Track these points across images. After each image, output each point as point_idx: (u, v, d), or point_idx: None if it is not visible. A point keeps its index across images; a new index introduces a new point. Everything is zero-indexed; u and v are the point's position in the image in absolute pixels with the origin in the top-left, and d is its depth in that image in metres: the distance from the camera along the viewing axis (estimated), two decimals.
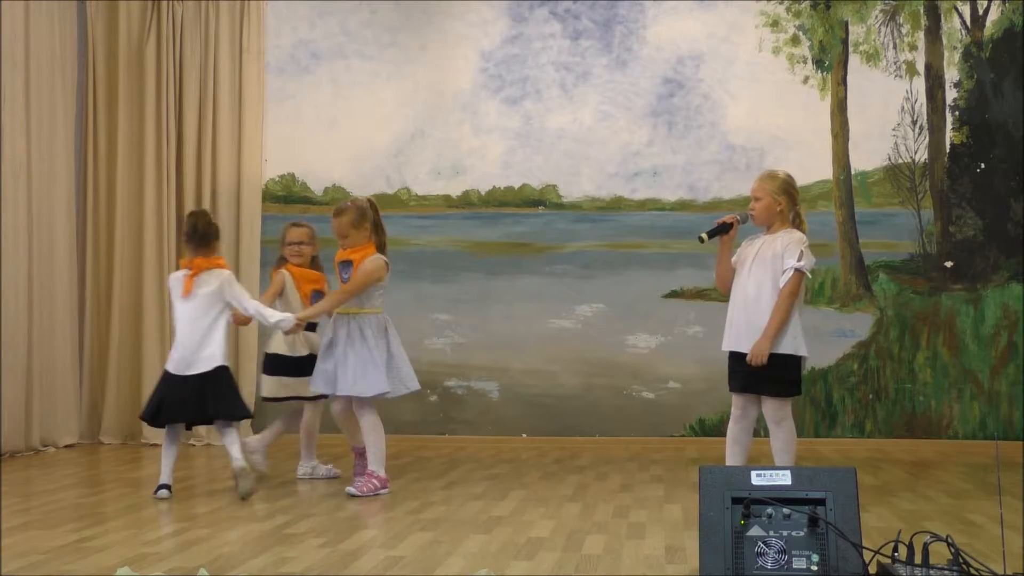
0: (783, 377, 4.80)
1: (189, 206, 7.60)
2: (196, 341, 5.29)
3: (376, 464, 5.42)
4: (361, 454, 5.64)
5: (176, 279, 5.40)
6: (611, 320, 7.60)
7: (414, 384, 5.55)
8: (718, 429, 7.24)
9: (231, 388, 5.39)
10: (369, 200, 5.71)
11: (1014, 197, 7.36)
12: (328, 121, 7.83)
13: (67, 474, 6.11)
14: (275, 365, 5.89)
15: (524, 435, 7.56)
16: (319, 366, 5.50)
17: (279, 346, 5.88)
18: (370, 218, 5.57)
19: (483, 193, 7.76)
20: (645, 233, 7.64)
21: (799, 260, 4.76)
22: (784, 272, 4.77)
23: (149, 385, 7.49)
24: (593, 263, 7.66)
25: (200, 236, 5.38)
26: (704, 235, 4.93)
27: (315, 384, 5.54)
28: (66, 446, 7.22)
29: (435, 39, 7.79)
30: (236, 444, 5.26)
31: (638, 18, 7.66)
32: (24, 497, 5.30)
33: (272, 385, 5.90)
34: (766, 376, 4.77)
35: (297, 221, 6.29)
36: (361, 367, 5.35)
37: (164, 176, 7.59)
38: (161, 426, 5.42)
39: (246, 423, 6.57)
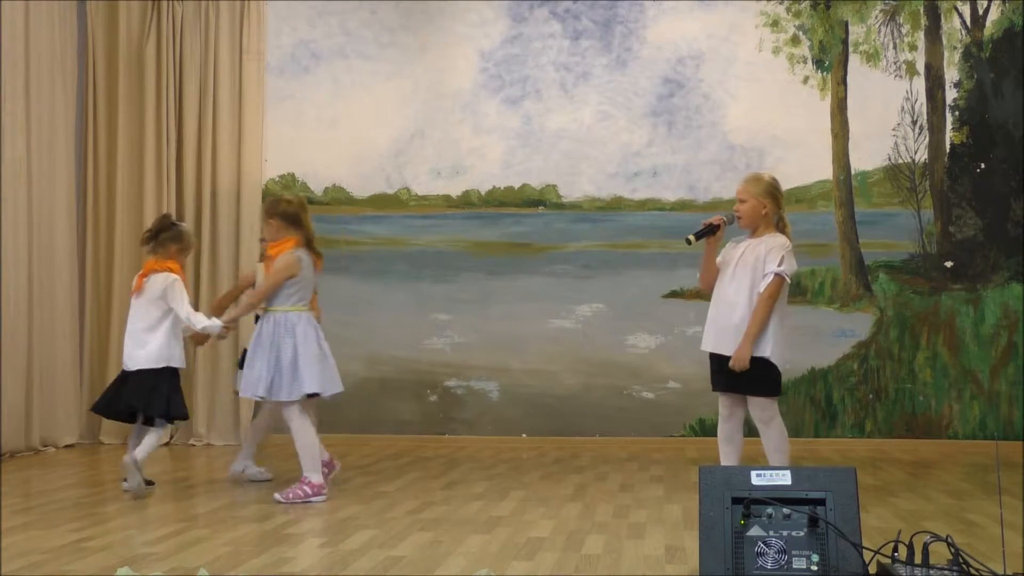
0: (763, 378, 4.85)
1: (189, 206, 7.62)
2: (135, 339, 5.46)
3: (309, 469, 5.22)
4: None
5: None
6: (611, 320, 7.60)
7: (313, 387, 5.27)
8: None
9: (155, 390, 5.42)
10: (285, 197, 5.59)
11: (1014, 197, 7.36)
12: (328, 121, 7.83)
13: (67, 474, 6.11)
14: None
15: (524, 435, 7.56)
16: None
17: None
18: (279, 214, 5.39)
19: (483, 193, 7.76)
20: (645, 233, 7.64)
21: (779, 265, 4.83)
22: (765, 276, 4.84)
23: None
24: (593, 263, 7.66)
25: (151, 237, 5.56)
26: (691, 237, 4.95)
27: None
28: (66, 446, 7.22)
29: (435, 39, 7.80)
30: (146, 445, 5.35)
31: (638, 18, 7.66)
32: (24, 497, 5.30)
33: None
34: (748, 377, 4.83)
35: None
36: (257, 369, 5.28)
37: (164, 176, 7.59)
38: (110, 417, 5.87)
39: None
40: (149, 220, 7.50)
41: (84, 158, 7.66)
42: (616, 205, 7.68)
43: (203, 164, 7.68)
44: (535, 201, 7.73)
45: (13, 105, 6.85)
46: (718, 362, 4.95)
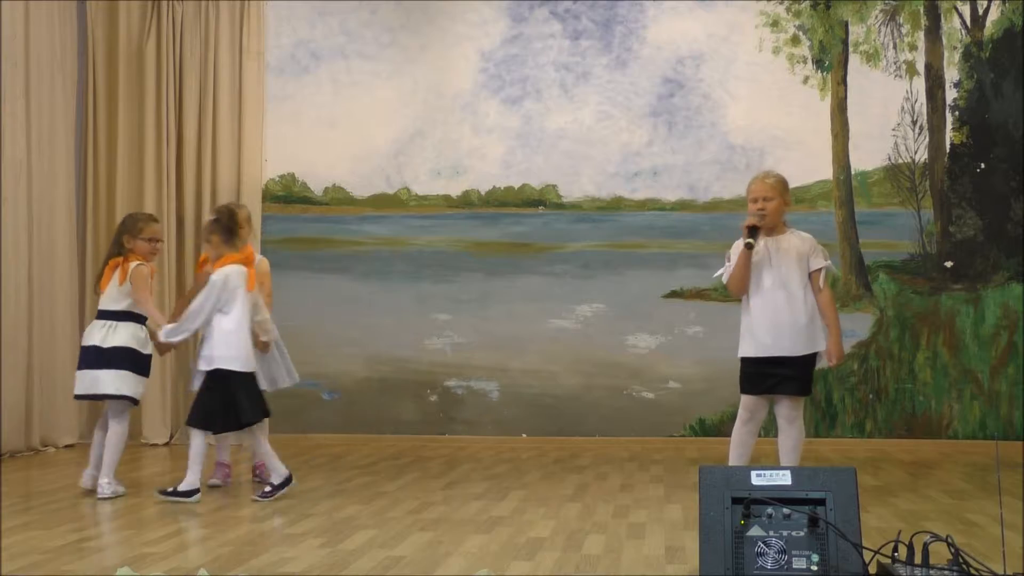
0: (808, 376, 4.89)
1: (189, 206, 7.62)
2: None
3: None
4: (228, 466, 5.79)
5: (240, 273, 5.27)
6: (611, 320, 7.59)
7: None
8: (718, 429, 7.25)
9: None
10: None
11: (1014, 197, 7.36)
12: (328, 121, 7.83)
13: (67, 474, 6.10)
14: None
15: (524, 435, 7.56)
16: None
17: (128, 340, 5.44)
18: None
19: (483, 193, 7.76)
20: (645, 233, 7.63)
21: (825, 259, 4.94)
22: (820, 272, 4.89)
23: (149, 387, 7.49)
24: (593, 263, 7.66)
25: (229, 228, 5.36)
26: (751, 241, 4.85)
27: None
28: (66, 446, 7.22)
29: (435, 39, 7.79)
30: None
31: (638, 18, 7.66)
32: (24, 497, 5.30)
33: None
34: (799, 376, 4.82)
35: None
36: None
37: (164, 176, 7.60)
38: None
39: None
40: None
41: (84, 158, 7.66)
42: (616, 205, 7.68)
43: (203, 164, 7.69)
44: (535, 201, 7.73)
45: (13, 105, 6.85)
46: (771, 364, 4.86)
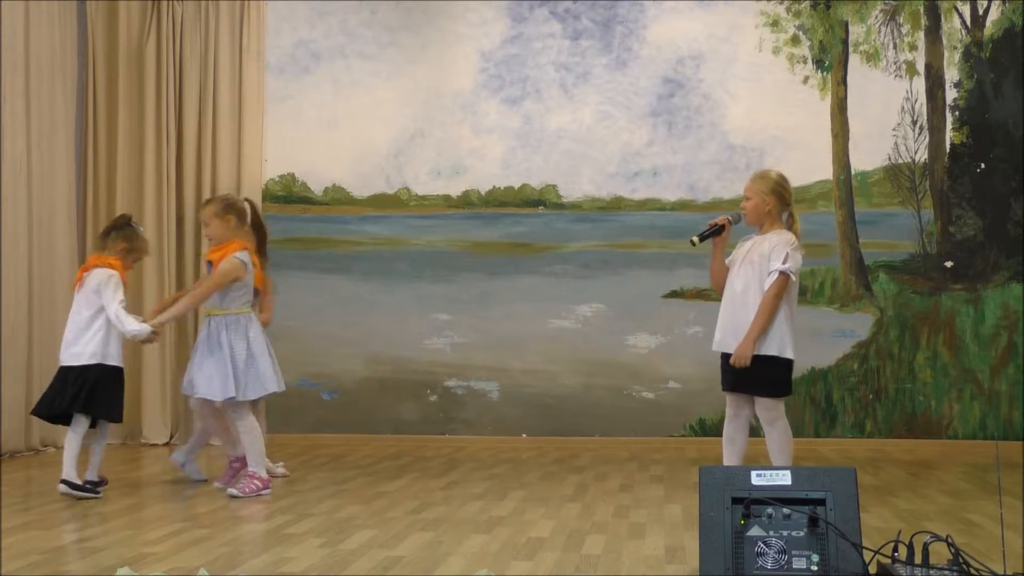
0: (771, 378, 4.84)
1: (189, 206, 7.63)
2: (73, 334, 5.33)
3: (255, 465, 5.38)
4: (237, 462, 5.64)
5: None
6: (611, 320, 7.59)
7: (273, 386, 5.50)
8: (718, 429, 7.18)
9: (102, 389, 5.33)
10: (247, 200, 5.85)
11: (1014, 197, 7.36)
12: (328, 121, 7.82)
13: None
14: None
15: (524, 435, 7.56)
16: (188, 366, 5.56)
17: None
18: (235, 212, 5.55)
19: (483, 193, 7.76)
20: (645, 233, 7.63)
21: (784, 262, 4.80)
22: (769, 274, 4.82)
23: (149, 386, 7.52)
24: (593, 263, 7.66)
25: (103, 234, 5.56)
26: (695, 238, 4.94)
27: (183, 384, 5.57)
28: None
29: (435, 39, 7.79)
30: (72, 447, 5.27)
31: (638, 18, 7.66)
32: (24, 497, 5.30)
33: None
34: (754, 377, 4.80)
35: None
36: (212, 370, 5.36)
37: (164, 176, 7.60)
38: (52, 420, 5.47)
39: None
40: (149, 220, 7.54)
41: (84, 158, 7.66)
42: (616, 205, 7.67)
43: (203, 164, 7.68)
44: (535, 201, 7.73)
45: (13, 105, 6.84)
46: (727, 360, 4.92)
